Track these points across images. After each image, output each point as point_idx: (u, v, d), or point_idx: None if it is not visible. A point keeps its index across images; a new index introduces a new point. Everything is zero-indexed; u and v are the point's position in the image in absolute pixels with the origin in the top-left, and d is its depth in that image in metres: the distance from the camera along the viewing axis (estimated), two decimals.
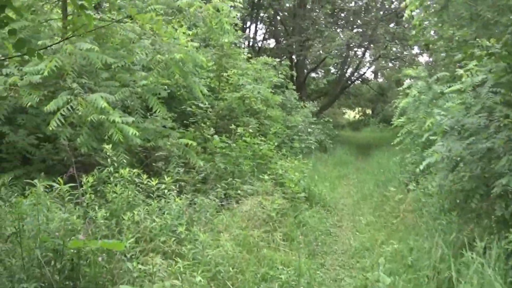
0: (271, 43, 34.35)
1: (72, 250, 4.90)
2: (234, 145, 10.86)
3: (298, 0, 29.22)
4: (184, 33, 10.01)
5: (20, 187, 7.05)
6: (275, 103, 15.91)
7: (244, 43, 26.64)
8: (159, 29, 8.70)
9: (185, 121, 11.98)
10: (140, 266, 5.09)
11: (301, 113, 19.76)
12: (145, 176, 6.81)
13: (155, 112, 8.98)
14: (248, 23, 31.44)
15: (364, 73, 37.90)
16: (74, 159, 6.90)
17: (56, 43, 7.05)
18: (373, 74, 43.07)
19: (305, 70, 32.01)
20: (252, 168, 10.78)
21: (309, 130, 19.48)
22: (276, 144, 12.63)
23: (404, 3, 9.99)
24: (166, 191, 6.81)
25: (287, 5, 30.32)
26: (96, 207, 6.04)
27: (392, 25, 28.97)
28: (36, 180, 5.53)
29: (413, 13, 10.49)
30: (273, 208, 8.64)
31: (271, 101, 15.26)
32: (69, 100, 7.15)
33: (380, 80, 45.09)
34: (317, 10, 29.59)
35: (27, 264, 4.60)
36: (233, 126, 11.41)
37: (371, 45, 29.13)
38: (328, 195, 12.17)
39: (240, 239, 7.00)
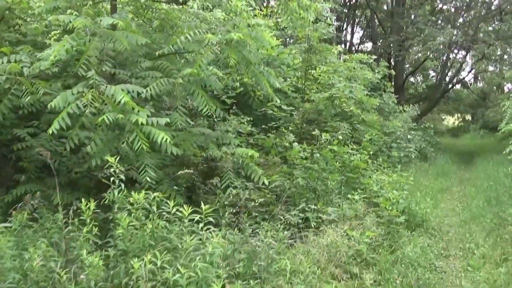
0: (368, 46, 32.96)
1: None
2: (318, 155, 8.34)
3: None
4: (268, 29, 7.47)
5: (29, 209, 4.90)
6: (371, 107, 13.67)
7: (340, 45, 24.39)
8: None
9: (263, 126, 9.75)
10: None
11: (400, 118, 17.67)
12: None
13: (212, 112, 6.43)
14: (345, 25, 30.39)
15: (465, 77, 36.16)
16: (101, 173, 4.72)
17: None
18: (473, 78, 39.76)
19: (404, 74, 29.66)
20: (339, 184, 8.48)
21: (409, 136, 17.39)
22: (371, 152, 10.40)
23: None
24: (201, 225, 4.40)
25: (385, 7, 29.03)
26: (85, 250, 3.79)
27: (493, 24, 26.27)
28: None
29: None
30: (363, 240, 6.51)
31: (367, 104, 12.99)
32: (83, 94, 4.87)
33: (480, 84, 41.76)
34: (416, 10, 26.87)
35: None
36: (315, 132, 8.83)
37: (473, 45, 26.12)
38: (431, 214, 9.88)
39: None
